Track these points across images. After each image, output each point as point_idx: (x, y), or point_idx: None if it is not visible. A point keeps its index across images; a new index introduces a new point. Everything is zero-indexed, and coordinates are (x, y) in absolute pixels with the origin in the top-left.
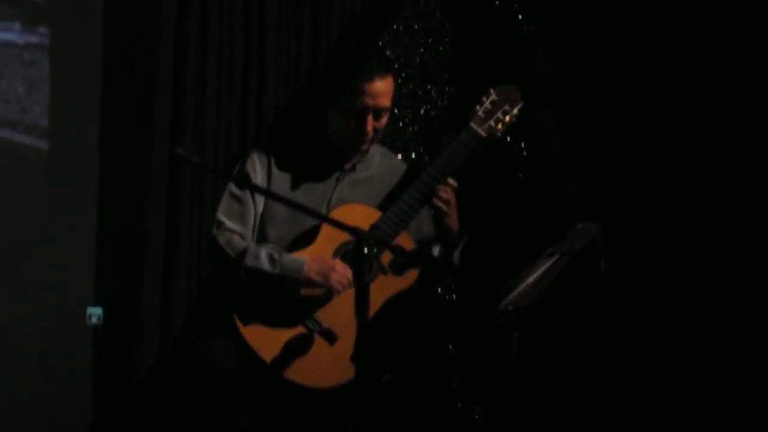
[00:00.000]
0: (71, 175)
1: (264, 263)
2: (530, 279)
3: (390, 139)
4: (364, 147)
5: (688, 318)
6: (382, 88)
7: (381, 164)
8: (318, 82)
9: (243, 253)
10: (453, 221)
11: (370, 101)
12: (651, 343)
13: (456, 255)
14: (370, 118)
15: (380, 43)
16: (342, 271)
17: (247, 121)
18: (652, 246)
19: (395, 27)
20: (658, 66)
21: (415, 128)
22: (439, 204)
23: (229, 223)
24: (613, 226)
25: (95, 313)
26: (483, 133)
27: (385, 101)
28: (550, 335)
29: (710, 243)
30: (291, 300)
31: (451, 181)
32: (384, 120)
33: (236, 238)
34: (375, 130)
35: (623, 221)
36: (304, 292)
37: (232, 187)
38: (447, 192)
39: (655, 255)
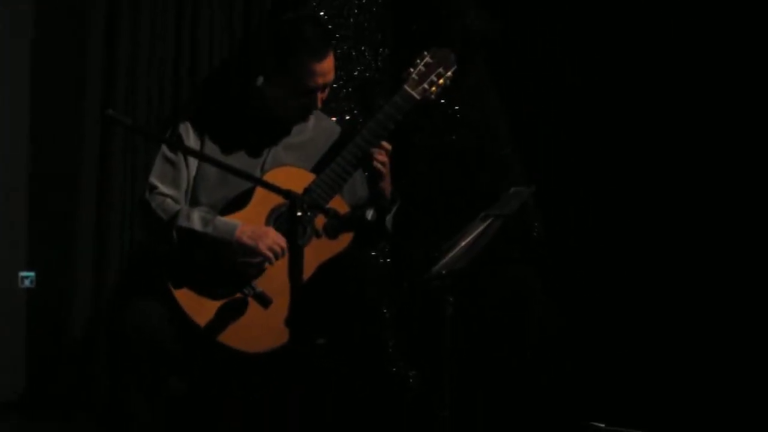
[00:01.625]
0: (1, 139)
1: (196, 224)
2: (463, 242)
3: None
4: (308, 117)
5: (627, 283)
6: (329, 64)
7: (315, 127)
8: (254, 48)
9: (176, 214)
10: (387, 185)
11: (320, 80)
12: (588, 307)
13: (389, 219)
14: (320, 95)
15: (314, 4)
16: (274, 238)
17: (179, 83)
18: (588, 207)
19: None
20: (589, 26)
21: (349, 90)
22: (377, 166)
23: (162, 187)
24: (550, 187)
25: (28, 276)
26: (417, 96)
27: (332, 76)
28: (485, 298)
29: (645, 205)
30: (225, 264)
31: (385, 144)
32: (327, 91)
33: (169, 201)
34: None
35: (560, 182)
36: (236, 257)
37: (165, 150)
38: (383, 155)
39: (591, 216)
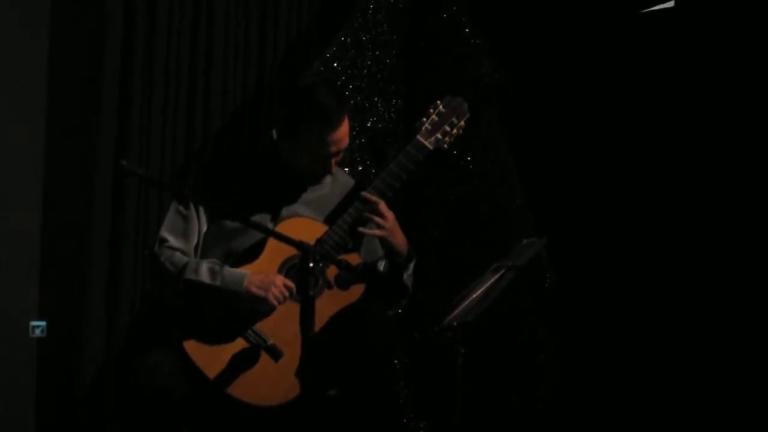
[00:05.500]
0: (15, 187)
1: (204, 276)
2: (475, 294)
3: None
4: (320, 178)
5: (638, 332)
6: (343, 131)
7: (332, 181)
8: (267, 101)
9: (183, 267)
10: (398, 241)
11: (334, 148)
12: (599, 360)
13: (407, 277)
14: (334, 160)
15: (328, 56)
16: (281, 285)
17: (193, 133)
18: (601, 256)
19: (342, 38)
20: (604, 78)
21: (362, 141)
22: (369, 233)
23: (172, 240)
24: (562, 237)
25: (39, 325)
26: (430, 146)
27: (347, 141)
28: (496, 350)
29: (657, 252)
30: (235, 315)
31: (374, 199)
32: (342, 154)
33: (178, 254)
34: None
35: (572, 232)
36: (245, 306)
37: (177, 203)
38: (379, 217)
39: (603, 266)
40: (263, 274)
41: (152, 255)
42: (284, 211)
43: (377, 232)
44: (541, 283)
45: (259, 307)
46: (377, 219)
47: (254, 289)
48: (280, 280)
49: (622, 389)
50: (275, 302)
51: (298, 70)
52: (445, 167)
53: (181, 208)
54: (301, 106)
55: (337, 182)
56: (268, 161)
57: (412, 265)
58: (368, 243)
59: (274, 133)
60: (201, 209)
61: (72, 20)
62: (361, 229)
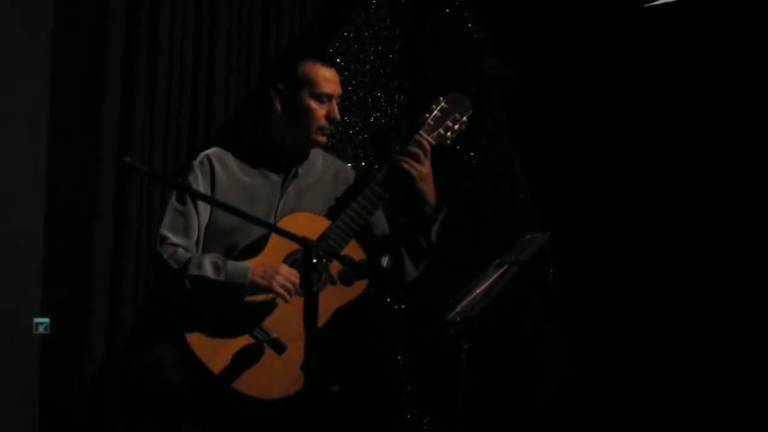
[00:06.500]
0: (18, 183)
1: (208, 271)
2: (478, 290)
3: (340, 147)
4: (324, 138)
5: (641, 326)
6: (337, 75)
7: (324, 166)
8: (267, 92)
9: (187, 263)
10: (429, 191)
11: (333, 87)
12: (603, 354)
13: (434, 230)
14: (335, 104)
15: (330, 51)
16: (286, 274)
17: (196, 131)
18: (604, 251)
19: (345, 34)
20: (608, 72)
21: (365, 136)
22: (407, 167)
23: (173, 238)
24: (566, 232)
25: (43, 322)
26: (432, 142)
27: (340, 89)
28: (499, 345)
29: (661, 246)
30: (238, 309)
31: (425, 143)
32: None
33: (180, 251)
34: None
35: (576, 227)
36: (250, 298)
37: (174, 202)
38: (416, 150)
39: (607, 260)
40: (267, 264)
41: (155, 253)
42: (282, 203)
43: (415, 171)
44: (544, 277)
45: (263, 297)
46: (415, 163)
47: (258, 279)
48: (284, 269)
49: (626, 383)
50: (279, 290)
51: None
52: (448, 163)
53: (178, 205)
54: (298, 56)
55: (329, 167)
56: (265, 152)
57: (440, 219)
58: (379, 223)
59: (271, 117)
60: (200, 204)
61: (74, 18)
62: (402, 158)
